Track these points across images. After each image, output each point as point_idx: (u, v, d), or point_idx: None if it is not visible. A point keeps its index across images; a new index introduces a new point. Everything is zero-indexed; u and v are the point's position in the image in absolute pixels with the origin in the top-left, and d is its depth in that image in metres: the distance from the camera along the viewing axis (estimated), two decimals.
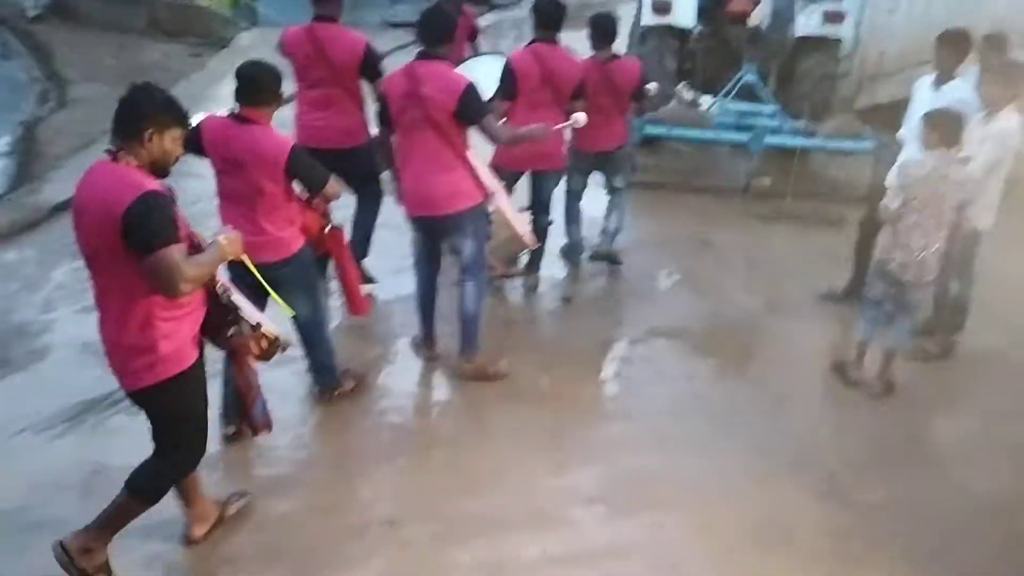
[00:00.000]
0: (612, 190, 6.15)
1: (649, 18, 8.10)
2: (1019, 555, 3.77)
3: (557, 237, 6.15)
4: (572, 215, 6.08)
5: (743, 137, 7.55)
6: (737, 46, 8.41)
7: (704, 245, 6.83)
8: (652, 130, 7.57)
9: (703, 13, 8.45)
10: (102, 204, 2.88)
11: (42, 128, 8.47)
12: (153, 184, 2.94)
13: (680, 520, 3.86)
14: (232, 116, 3.88)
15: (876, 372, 4.92)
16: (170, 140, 3.03)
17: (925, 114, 4.64)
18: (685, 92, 8.96)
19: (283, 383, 4.54)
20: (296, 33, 5.21)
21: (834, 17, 7.90)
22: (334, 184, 4.06)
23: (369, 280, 5.60)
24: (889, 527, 3.88)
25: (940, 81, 5.23)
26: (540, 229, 5.61)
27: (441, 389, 4.97)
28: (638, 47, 8.32)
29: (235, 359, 3.43)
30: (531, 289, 5.93)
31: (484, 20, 13.07)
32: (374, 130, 4.95)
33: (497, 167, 5.08)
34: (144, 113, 2.97)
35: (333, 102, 5.19)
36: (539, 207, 5.68)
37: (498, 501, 3.94)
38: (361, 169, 5.29)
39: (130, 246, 2.86)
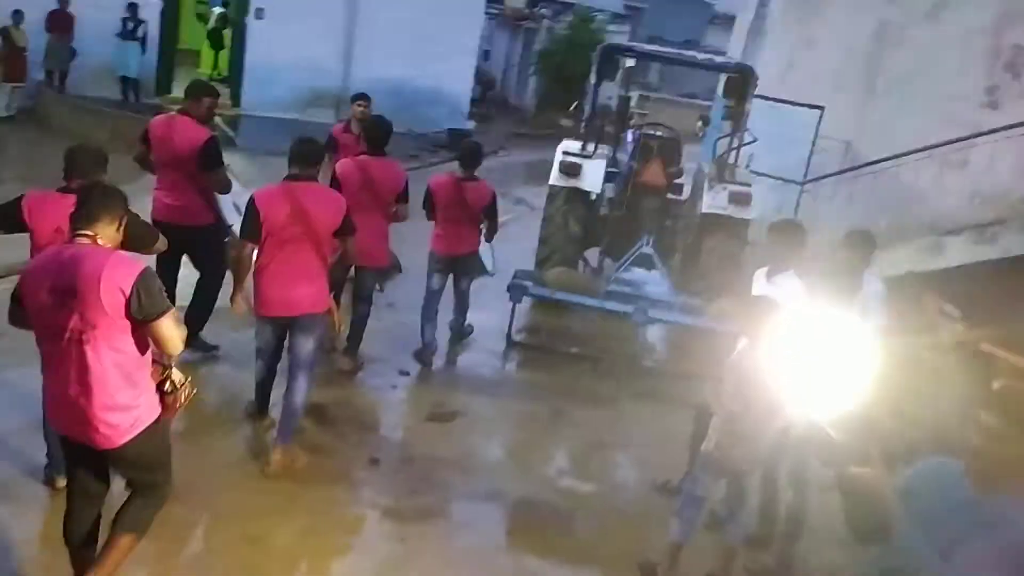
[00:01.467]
0: (459, 292, 6.89)
1: (557, 178, 7.97)
2: None
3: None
4: (428, 315, 6.72)
5: (628, 309, 7.21)
6: (648, 216, 8.23)
7: (559, 417, 6.36)
8: (535, 292, 7.30)
9: (618, 180, 8.32)
10: (107, 283, 3.16)
11: None
12: (142, 262, 3.32)
13: None
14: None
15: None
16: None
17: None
18: (592, 258, 8.73)
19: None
20: (158, 121, 5.87)
21: (740, 198, 7.64)
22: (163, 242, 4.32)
23: (210, 347, 6.16)
24: None
25: (772, 272, 4.93)
26: (359, 318, 6.32)
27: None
28: (547, 205, 8.17)
29: (165, 412, 3.54)
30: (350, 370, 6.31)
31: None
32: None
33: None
34: (112, 207, 3.36)
35: (178, 185, 5.76)
36: (359, 298, 6.33)
37: None
38: (207, 245, 5.88)
39: (135, 316, 3.21)
